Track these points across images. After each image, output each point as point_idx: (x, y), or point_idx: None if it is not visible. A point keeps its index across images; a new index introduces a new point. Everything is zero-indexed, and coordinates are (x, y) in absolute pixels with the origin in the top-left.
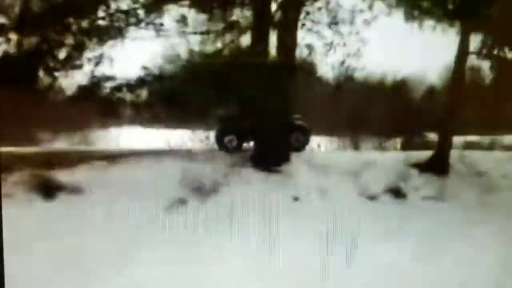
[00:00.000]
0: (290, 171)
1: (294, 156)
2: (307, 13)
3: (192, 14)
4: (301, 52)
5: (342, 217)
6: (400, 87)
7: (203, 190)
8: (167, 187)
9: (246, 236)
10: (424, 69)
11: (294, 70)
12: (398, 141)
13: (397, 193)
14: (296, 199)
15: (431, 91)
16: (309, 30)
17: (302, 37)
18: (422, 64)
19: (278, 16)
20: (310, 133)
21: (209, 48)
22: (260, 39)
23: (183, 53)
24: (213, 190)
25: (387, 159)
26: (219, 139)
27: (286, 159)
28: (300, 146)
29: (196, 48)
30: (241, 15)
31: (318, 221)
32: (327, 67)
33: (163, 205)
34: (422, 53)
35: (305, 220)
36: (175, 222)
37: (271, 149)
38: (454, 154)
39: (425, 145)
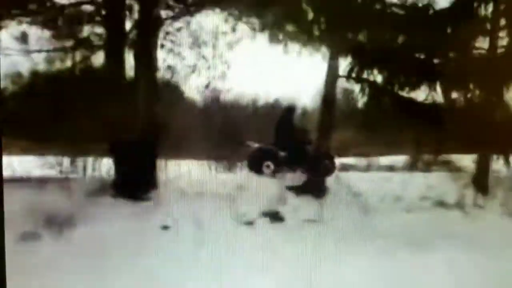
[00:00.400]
0: (158, 198)
1: (161, 183)
2: (167, 33)
3: (34, 31)
4: (163, 73)
5: (216, 244)
6: (273, 109)
7: (57, 223)
8: (14, 220)
9: (109, 271)
10: (297, 91)
11: (156, 91)
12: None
13: (275, 216)
14: (165, 227)
15: (304, 113)
16: (170, 51)
17: (163, 58)
18: (294, 87)
19: (134, 35)
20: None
21: (57, 67)
22: (115, 59)
23: (26, 71)
24: (70, 222)
25: (263, 182)
26: (257, 165)
27: (152, 185)
28: (330, 171)
29: (42, 67)
30: (92, 32)
31: (190, 250)
32: (192, 90)
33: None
34: (294, 75)
35: (177, 249)
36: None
37: (136, 175)
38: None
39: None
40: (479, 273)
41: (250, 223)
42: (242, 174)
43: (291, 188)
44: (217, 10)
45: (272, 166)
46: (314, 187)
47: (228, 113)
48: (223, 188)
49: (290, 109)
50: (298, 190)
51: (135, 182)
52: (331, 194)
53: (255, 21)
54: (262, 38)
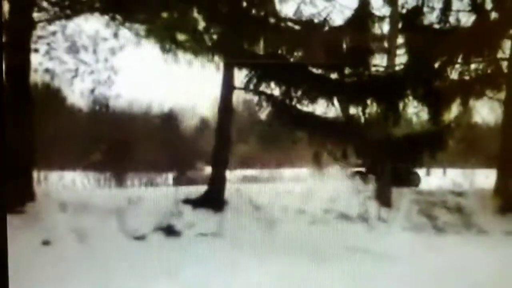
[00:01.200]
0: (37, 211)
1: (41, 195)
2: (39, 37)
3: None
4: (41, 77)
5: (103, 260)
6: (169, 119)
7: None
8: None
9: None
10: (195, 101)
11: (29, 97)
12: (169, 176)
13: (169, 231)
14: (46, 243)
15: (203, 124)
16: (47, 54)
17: (40, 62)
18: (192, 97)
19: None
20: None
21: None
22: None
23: None
24: None
25: (156, 195)
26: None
27: (28, 197)
28: (416, 183)
29: None
30: None
31: (76, 266)
32: (76, 95)
33: None
34: (189, 85)
35: (60, 266)
36: None
37: (6, 185)
38: (231, 188)
39: (200, 180)
40: (383, 285)
41: (141, 238)
42: (133, 186)
43: (187, 202)
44: (97, 14)
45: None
46: (212, 200)
47: (117, 121)
48: (112, 201)
49: None
50: (195, 203)
51: (6, 193)
52: (231, 207)
53: (139, 27)
54: (152, 45)
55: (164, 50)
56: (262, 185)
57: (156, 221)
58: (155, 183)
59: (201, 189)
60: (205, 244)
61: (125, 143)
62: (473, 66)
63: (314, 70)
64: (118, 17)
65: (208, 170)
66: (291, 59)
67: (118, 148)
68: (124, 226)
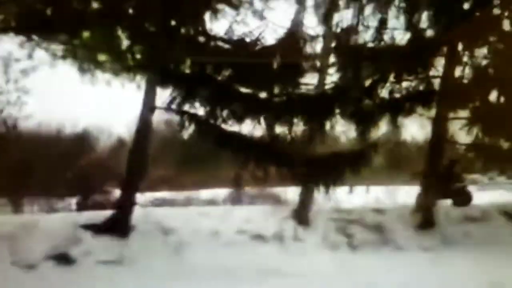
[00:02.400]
0: None
1: None
2: None
3: None
4: None
5: None
6: (81, 139)
7: None
8: None
9: None
10: (112, 121)
11: None
12: (73, 201)
13: (63, 259)
14: None
15: (120, 144)
16: None
17: None
18: (110, 116)
19: None
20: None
21: None
22: None
23: None
24: None
25: (55, 221)
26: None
27: None
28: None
29: None
30: None
31: None
32: None
33: None
34: (108, 105)
35: None
36: None
37: None
38: (140, 212)
39: (107, 204)
40: None
41: (32, 267)
42: (31, 212)
43: (88, 227)
44: (11, 34)
45: None
46: (116, 225)
47: (25, 143)
48: (5, 228)
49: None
50: (97, 229)
51: None
52: (137, 232)
53: (56, 48)
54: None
55: (82, 70)
56: (176, 208)
57: (49, 248)
58: (56, 208)
59: (107, 213)
60: (104, 272)
61: (26, 165)
62: (404, 84)
63: (242, 89)
64: (34, 37)
65: (117, 193)
66: (219, 78)
67: (16, 171)
68: (15, 254)
